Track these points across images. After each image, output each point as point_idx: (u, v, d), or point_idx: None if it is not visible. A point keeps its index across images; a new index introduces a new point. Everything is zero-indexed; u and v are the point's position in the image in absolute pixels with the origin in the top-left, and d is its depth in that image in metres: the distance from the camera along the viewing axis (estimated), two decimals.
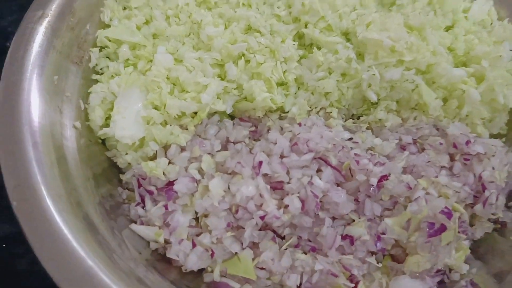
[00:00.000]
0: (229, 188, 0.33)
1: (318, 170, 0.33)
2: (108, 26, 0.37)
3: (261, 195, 0.32)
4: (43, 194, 0.27)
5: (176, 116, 0.34)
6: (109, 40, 0.37)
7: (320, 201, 0.32)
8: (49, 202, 0.27)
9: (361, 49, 0.37)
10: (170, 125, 0.35)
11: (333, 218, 0.33)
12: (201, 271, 0.33)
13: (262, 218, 0.32)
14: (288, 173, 0.33)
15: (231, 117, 0.39)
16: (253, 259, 0.32)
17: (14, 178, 0.27)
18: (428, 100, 0.36)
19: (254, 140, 0.37)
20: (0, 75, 0.43)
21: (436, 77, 0.37)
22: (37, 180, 0.27)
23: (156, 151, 0.34)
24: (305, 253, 0.33)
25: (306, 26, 0.38)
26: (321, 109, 0.38)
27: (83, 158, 0.34)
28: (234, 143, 0.36)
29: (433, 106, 0.37)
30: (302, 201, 0.32)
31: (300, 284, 0.32)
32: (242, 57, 0.37)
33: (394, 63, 0.36)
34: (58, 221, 0.26)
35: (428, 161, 0.35)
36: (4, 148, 0.27)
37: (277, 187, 0.33)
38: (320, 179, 0.32)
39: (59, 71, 0.33)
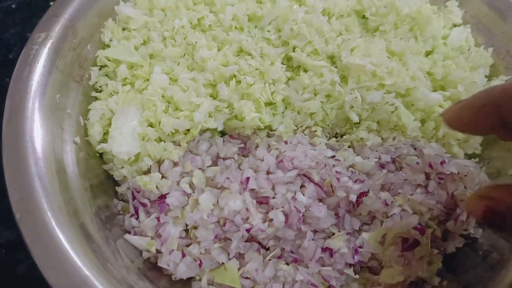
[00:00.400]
0: (218, 202, 0.35)
1: (302, 186, 0.35)
2: (108, 46, 0.40)
3: (247, 209, 0.34)
4: (44, 207, 0.29)
5: (170, 133, 0.37)
6: (108, 60, 0.39)
7: (303, 215, 0.34)
8: (49, 214, 0.29)
9: (345, 72, 0.40)
10: (164, 142, 0.37)
11: (315, 232, 0.35)
12: (190, 279, 0.35)
13: (248, 230, 0.34)
14: (273, 188, 0.35)
15: (222, 133, 0.41)
16: (239, 269, 0.34)
17: (17, 191, 0.29)
18: (406, 121, 0.39)
19: (243, 156, 0.39)
20: (4, 89, 0.46)
21: (414, 100, 0.39)
22: (39, 194, 0.29)
23: (150, 165, 0.36)
24: (288, 264, 0.35)
25: (294, 50, 0.40)
26: (306, 128, 0.40)
27: (81, 170, 0.36)
28: (224, 159, 0.38)
29: (411, 127, 0.39)
30: (286, 215, 0.34)
31: None
32: (234, 78, 0.39)
33: (375, 87, 0.38)
34: (57, 232, 0.29)
35: (405, 179, 0.37)
36: (9, 163, 0.30)
37: (262, 201, 0.35)
38: (303, 194, 0.34)
39: (61, 89, 0.35)
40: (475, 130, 0.29)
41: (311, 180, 0.35)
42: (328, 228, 0.35)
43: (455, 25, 0.44)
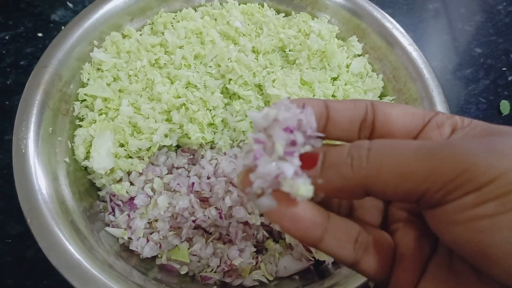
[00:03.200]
0: (171, 202, 0.48)
1: (228, 191, 0.48)
2: (86, 84, 0.52)
3: (193, 206, 0.48)
4: (46, 213, 0.42)
5: (136, 151, 0.49)
6: (87, 96, 0.51)
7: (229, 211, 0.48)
8: (49, 217, 0.42)
9: (268, 99, 0.52)
10: (132, 158, 0.50)
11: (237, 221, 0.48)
12: (154, 257, 0.48)
13: (194, 221, 0.47)
14: (211, 190, 0.49)
15: (177, 146, 0.54)
16: (188, 249, 0.48)
17: (27, 203, 0.42)
18: None
19: (192, 164, 0.52)
20: (4, 111, 0.58)
21: None
22: (42, 205, 0.42)
23: (122, 176, 0.49)
24: (224, 244, 0.49)
25: (229, 82, 0.53)
26: (240, 141, 0.53)
27: (71, 180, 0.48)
28: (177, 168, 0.51)
29: None
30: (219, 211, 0.47)
31: (219, 265, 0.48)
32: (183, 106, 0.51)
33: None
34: (55, 229, 0.41)
35: None
36: (20, 183, 0.42)
37: (204, 200, 0.48)
38: (230, 198, 0.47)
39: (52, 123, 0.48)
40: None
41: (234, 186, 0.48)
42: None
43: (356, 56, 0.57)
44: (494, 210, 0.18)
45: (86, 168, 0.51)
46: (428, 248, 0.24)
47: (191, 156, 0.52)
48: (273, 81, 0.52)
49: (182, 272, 0.47)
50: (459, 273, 0.22)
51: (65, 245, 0.41)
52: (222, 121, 0.52)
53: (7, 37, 0.68)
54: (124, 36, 0.56)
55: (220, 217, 0.47)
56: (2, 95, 0.63)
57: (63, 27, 0.66)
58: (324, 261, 0.48)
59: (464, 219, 0.19)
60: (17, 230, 0.55)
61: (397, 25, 0.55)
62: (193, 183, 0.48)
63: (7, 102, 0.63)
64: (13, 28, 0.69)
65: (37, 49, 0.67)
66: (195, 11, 0.59)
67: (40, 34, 0.68)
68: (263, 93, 0.53)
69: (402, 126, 0.25)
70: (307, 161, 0.22)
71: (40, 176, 0.44)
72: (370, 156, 0.21)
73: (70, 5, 0.72)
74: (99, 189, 0.51)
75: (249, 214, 0.46)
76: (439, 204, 0.20)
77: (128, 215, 0.48)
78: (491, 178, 0.18)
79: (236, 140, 0.53)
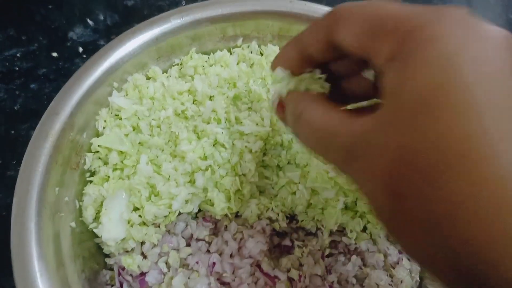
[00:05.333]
0: (188, 283, 0.42)
1: (253, 276, 0.42)
2: (101, 134, 0.46)
3: None
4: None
5: (151, 219, 0.43)
6: (101, 147, 0.45)
7: None
8: None
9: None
10: (146, 225, 0.44)
11: None
12: None
13: None
14: (234, 272, 0.43)
15: (198, 210, 0.47)
16: None
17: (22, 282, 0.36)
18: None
19: (214, 235, 0.46)
20: (10, 142, 0.52)
21: None
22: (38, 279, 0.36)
23: (134, 247, 0.43)
24: None
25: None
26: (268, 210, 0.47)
27: (75, 242, 0.43)
28: (197, 240, 0.45)
29: None
30: None
31: None
32: (209, 168, 0.45)
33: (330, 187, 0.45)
34: None
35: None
36: (17, 263, 0.37)
37: (225, 283, 0.42)
38: (255, 285, 0.41)
39: (60, 181, 0.41)
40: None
41: (260, 270, 0.42)
42: None
43: None
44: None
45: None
46: None
47: (213, 226, 0.46)
48: None
49: None
50: None
51: None
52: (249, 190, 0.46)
53: (18, 55, 0.62)
54: (148, 78, 0.49)
55: None
56: (7, 123, 0.57)
57: (80, 48, 0.60)
58: None
59: None
60: (10, 285, 0.49)
61: None
62: (213, 263, 0.42)
63: (12, 132, 0.57)
64: (26, 44, 0.63)
65: (51, 71, 0.61)
66: (231, 53, 0.52)
67: (55, 54, 0.62)
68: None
69: None
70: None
71: (42, 239, 0.38)
72: None
73: (90, 22, 0.65)
74: (107, 255, 0.45)
75: None
76: None
77: None
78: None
79: (266, 211, 0.46)
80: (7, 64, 0.61)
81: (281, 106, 0.32)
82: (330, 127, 0.25)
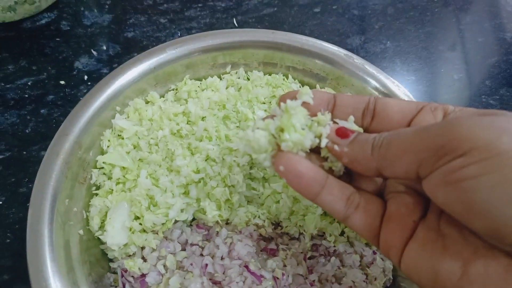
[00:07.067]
0: (183, 283, 0.47)
1: (242, 275, 0.47)
2: (106, 152, 0.52)
3: None
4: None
5: (150, 226, 0.49)
6: (105, 164, 0.51)
7: None
8: None
9: None
10: (146, 232, 0.49)
11: None
12: None
13: None
14: (224, 272, 0.48)
15: (192, 219, 0.53)
16: None
17: (38, 283, 0.41)
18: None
19: (207, 240, 0.51)
20: (22, 162, 0.57)
21: None
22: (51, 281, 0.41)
23: (135, 252, 0.49)
24: None
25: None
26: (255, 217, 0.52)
27: (83, 250, 0.48)
28: (191, 245, 0.50)
29: None
30: None
31: None
32: (202, 180, 0.51)
33: None
34: None
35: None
36: (32, 265, 0.42)
37: (216, 282, 0.47)
38: (244, 283, 0.46)
39: (69, 194, 0.47)
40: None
41: (248, 270, 0.47)
42: None
43: None
44: (477, 172, 0.21)
45: (99, 237, 0.50)
46: (417, 213, 0.28)
47: (206, 232, 0.51)
48: None
49: None
50: (446, 235, 0.26)
51: None
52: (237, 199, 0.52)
53: (29, 83, 0.68)
54: (147, 102, 0.56)
55: None
56: (20, 145, 0.62)
57: (85, 76, 0.67)
58: None
59: (453, 180, 0.22)
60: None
61: None
62: (206, 265, 0.47)
63: (24, 152, 0.62)
64: (36, 74, 0.69)
65: (58, 97, 0.67)
66: (220, 79, 0.58)
67: (62, 82, 0.68)
68: None
69: (399, 110, 0.31)
70: (343, 133, 0.30)
71: (54, 244, 0.43)
72: (384, 139, 0.27)
73: (94, 53, 0.72)
74: (111, 260, 0.50)
75: None
76: (433, 170, 0.24)
77: None
78: (474, 145, 0.22)
79: (254, 218, 0.52)
80: (19, 92, 0.67)
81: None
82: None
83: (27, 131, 0.64)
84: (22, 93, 0.67)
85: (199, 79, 0.58)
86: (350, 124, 0.32)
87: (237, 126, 0.54)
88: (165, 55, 0.56)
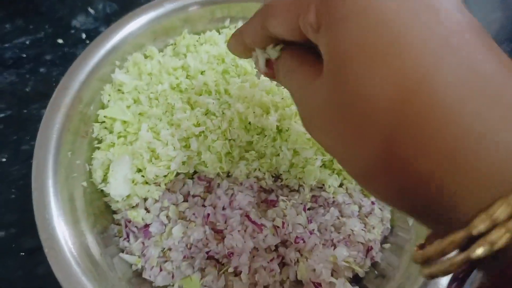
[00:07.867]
0: (186, 231, 0.48)
1: (243, 224, 0.48)
2: (106, 106, 0.52)
3: (207, 238, 0.48)
4: (62, 243, 0.42)
5: (153, 178, 0.49)
6: (106, 117, 0.51)
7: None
8: (64, 247, 0.42)
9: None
10: (148, 184, 0.50)
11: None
12: (166, 286, 0.49)
13: (207, 253, 0.48)
14: (226, 222, 0.49)
15: (194, 172, 0.54)
16: (200, 279, 0.48)
17: (45, 232, 0.42)
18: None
19: (208, 192, 0.52)
20: (22, 120, 0.58)
21: None
22: (58, 236, 0.42)
23: (138, 202, 0.50)
24: (236, 275, 0.49)
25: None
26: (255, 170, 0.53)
27: (87, 202, 0.49)
28: (193, 196, 0.51)
29: None
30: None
31: None
32: (202, 134, 0.51)
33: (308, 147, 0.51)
34: (70, 260, 0.42)
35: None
36: (38, 213, 0.43)
37: (218, 231, 0.49)
38: (245, 230, 0.47)
39: (72, 147, 0.48)
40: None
41: (249, 219, 0.48)
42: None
43: None
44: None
45: (102, 190, 0.51)
46: None
47: (207, 184, 0.52)
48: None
49: None
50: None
51: (77, 272, 0.41)
52: (238, 153, 0.52)
53: (27, 42, 0.67)
54: (146, 56, 0.55)
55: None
56: (20, 104, 0.63)
57: (83, 34, 0.66)
58: None
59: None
60: (30, 245, 0.55)
61: None
62: (208, 214, 0.48)
63: (24, 111, 0.63)
64: (33, 32, 0.68)
65: (57, 56, 0.67)
66: (219, 33, 0.58)
67: (60, 41, 0.68)
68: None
69: None
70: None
71: (59, 211, 0.44)
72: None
73: (91, 11, 0.71)
74: (114, 212, 0.51)
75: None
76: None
77: (143, 242, 0.48)
78: None
79: (254, 170, 0.52)
80: (17, 51, 0.67)
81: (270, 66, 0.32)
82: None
83: (26, 89, 0.64)
84: (20, 52, 0.67)
85: (198, 34, 0.58)
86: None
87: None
88: (163, 10, 0.55)
